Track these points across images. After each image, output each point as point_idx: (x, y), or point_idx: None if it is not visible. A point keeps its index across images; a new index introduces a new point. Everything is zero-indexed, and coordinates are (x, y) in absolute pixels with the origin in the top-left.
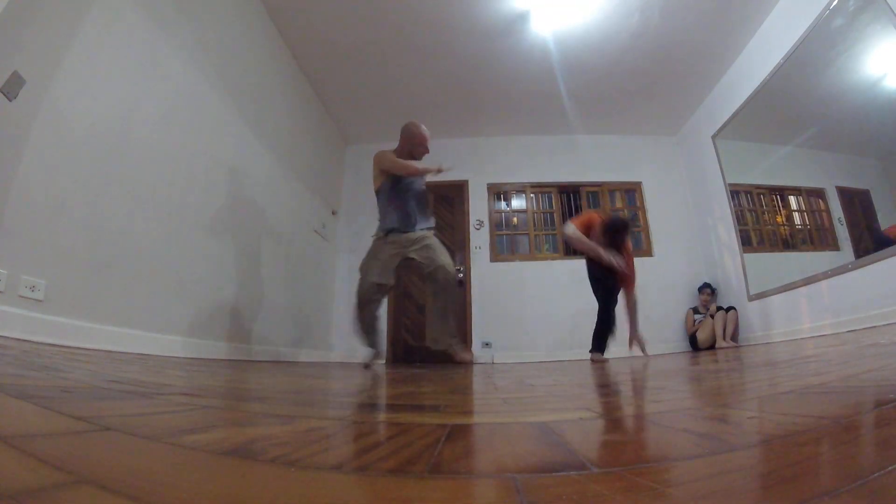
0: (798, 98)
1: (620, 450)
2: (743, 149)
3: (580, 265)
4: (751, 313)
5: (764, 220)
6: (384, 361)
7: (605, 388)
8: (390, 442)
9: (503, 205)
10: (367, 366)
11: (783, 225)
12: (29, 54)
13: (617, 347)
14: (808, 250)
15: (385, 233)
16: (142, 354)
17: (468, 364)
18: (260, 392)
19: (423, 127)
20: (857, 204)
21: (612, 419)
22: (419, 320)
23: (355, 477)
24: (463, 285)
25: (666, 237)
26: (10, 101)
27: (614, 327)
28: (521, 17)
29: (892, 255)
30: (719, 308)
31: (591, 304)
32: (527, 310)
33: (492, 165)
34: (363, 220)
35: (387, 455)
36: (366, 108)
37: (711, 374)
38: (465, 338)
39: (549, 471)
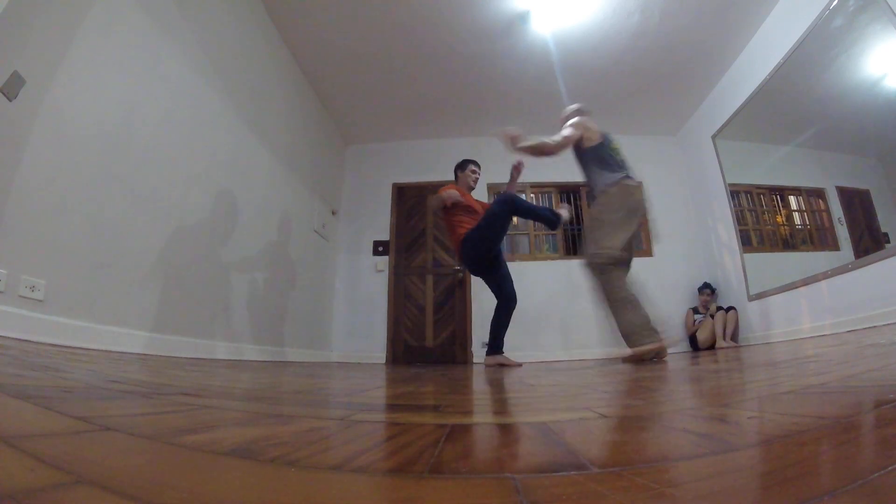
0: (798, 98)
1: (620, 450)
2: (743, 149)
3: (580, 265)
4: (751, 313)
5: (764, 220)
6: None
7: (606, 389)
8: (390, 442)
9: None
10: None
11: (783, 225)
12: (29, 54)
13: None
14: (808, 250)
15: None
16: (142, 354)
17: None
18: (260, 392)
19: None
20: (857, 204)
21: (613, 419)
22: (419, 320)
23: (355, 477)
24: (463, 285)
25: (666, 237)
26: (10, 101)
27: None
28: (521, 17)
29: (892, 255)
30: (719, 308)
31: (590, 304)
32: (527, 310)
33: (492, 165)
34: (363, 220)
35: (387, 455)
36: (366, 108)
37: (711, 374)
38: (464, 338)
39: (549, 471)
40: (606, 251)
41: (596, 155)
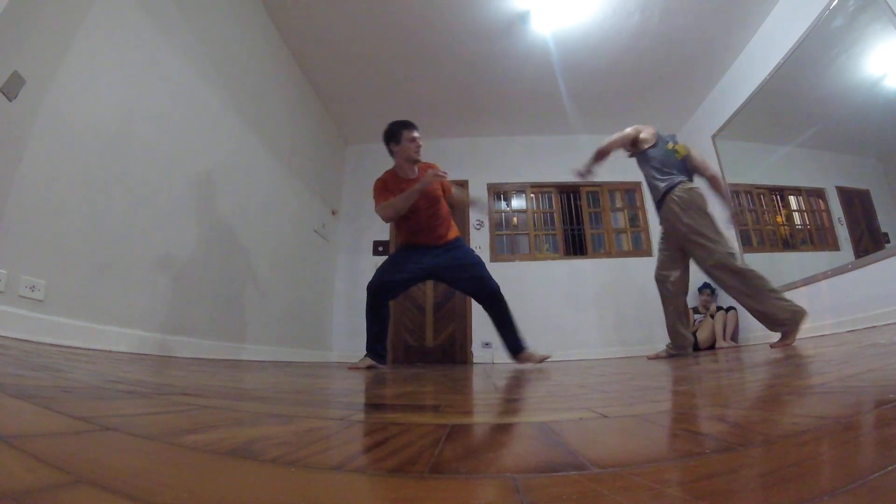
0: (798, 98)
1: (620, 450)
2: (743, 149)
3: (581, 265)
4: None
5: (764, 220)
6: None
7: (606, 389)
8: (390, 442)
9: (503, 205)
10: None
11: (783, 225)
12: (29, 54)
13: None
14: (808, 250)
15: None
16: (142, 354)
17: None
18: (260, 392)
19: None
20: (857, 204)
21: (613, 419)
22: (419, 320)
23: (355, 477)
24: None
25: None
26: (10, 101)
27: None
28: (521, 17)
29: (892, 255)
30: (719, 308)
31: (591, 305)
32: (527, 310)
33: (492, 165)
34: (363, 220)
35: (387, 455)
36: (366, 108)
37: (711, 374)
38: (464, 338)
39: (549, 471)
40: (730, 251)
41: (649, 157)
